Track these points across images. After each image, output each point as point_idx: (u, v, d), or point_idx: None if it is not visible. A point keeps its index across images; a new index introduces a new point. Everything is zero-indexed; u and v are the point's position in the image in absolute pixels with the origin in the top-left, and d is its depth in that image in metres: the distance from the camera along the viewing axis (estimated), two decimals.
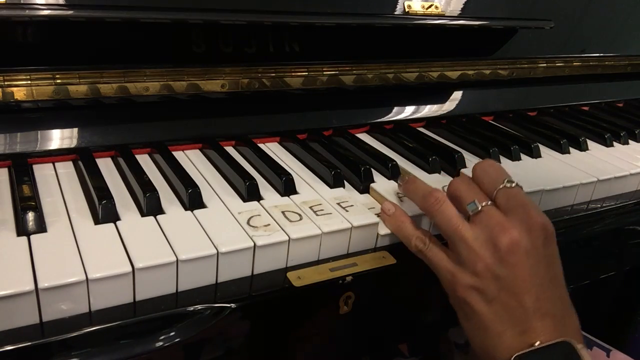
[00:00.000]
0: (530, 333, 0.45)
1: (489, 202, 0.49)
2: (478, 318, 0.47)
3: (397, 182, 0.64)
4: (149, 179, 0.55)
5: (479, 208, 0.48)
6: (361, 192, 0.62)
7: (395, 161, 0.66)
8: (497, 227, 0.46)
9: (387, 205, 0.54)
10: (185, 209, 0.53)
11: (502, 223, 0.46)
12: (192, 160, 0.65)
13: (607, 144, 0.85)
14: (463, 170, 0.69)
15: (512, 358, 0.44)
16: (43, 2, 0.56)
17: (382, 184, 0.62)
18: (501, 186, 0.49)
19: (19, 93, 0.58)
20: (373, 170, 0.64)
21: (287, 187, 0.58)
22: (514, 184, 0.49)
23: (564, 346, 0.44)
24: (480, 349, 0.48)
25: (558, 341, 0.44)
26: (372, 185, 0.61)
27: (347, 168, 0.64)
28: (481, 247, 0.46)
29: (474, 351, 0.49)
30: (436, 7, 0.76)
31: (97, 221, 0.49)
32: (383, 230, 0.54)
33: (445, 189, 0.53)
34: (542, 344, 0.44)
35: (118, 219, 0.50)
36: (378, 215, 0.55)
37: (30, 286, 0.40)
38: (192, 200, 0.53)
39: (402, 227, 0.53)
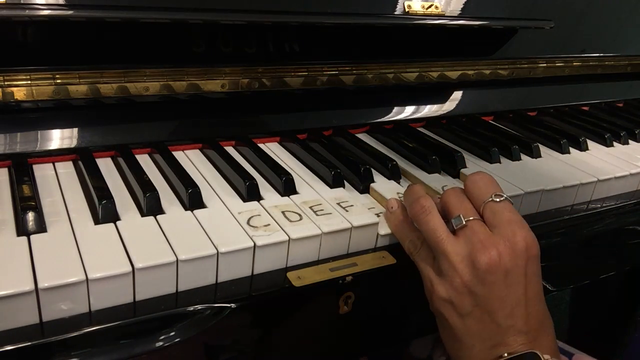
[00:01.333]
0: (500, 347, 0.46)
1: (475, 217, 0.48)
2: (450, 330, 0.48)
3: (397, 182, 0.64)
4: (149, 179, 0.55)
5: (464, 222, 0.48)
6: (361, 192, 0.62)
7: (395, 161, 0.66)
8: (479, 245, 0.46)
9: (392, 202, 0.54)
10: (185, 209, 0.53)
11: (483, 241, 0.46)
12: (192, 160, 0.65)
13: (607, 144, 0.85)
14: (463, 171, 0.69)
15: None
16: (43, 2, 0.56)
17: (382, 184, 0.62)
18: (488, 200, 0.49)
19: (19, 93, 0.58)
20: (373, 170, 0.64)
21: (287, 187, 0.58)
22: (502, 198, 0.49)
23: (529, 356, 0.45)
24: (453, 355, 0.49)
25: (525, 352, 0.45)
26: (372, 185, 0.61)
27: (347, 168, 0.64)
28: (461, 262, 0.46)
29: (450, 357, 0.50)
30: (436, 7, 0.76)
31: (97, 221, 0.49)
32: (383, 230, 0.54)
33: (445, 189, 0.53)
34: (509, 355, 0.45)
35: (118, 219, 0.50)
36: (378, 215, 0.55)
37: (30, 286, 0.40)
38: (192, 200, 0.53)
39: (398, 227, 0.53)
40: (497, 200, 0.48)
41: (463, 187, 0.53)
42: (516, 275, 0.46)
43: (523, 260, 0.46)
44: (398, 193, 0.59)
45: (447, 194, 0.52)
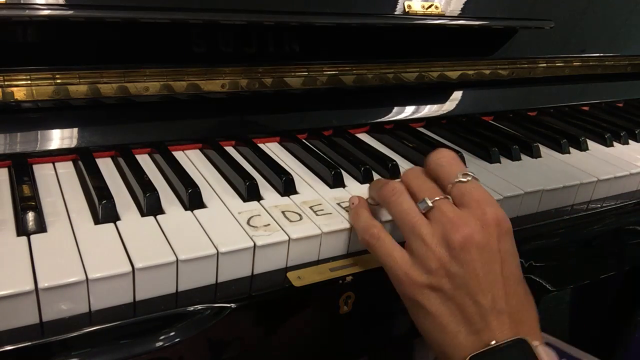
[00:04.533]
0: (486, 332, 0.44)
1: (442, 197, 0.47)
2: (433, 318, 0.46)
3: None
4: (149, 179, 0.55)
5: (430, 205, 0.47)
6: None
7: (395, 161, 0.66)
8: (449, 224, 0.45)
9: (354, 198, 0.53)
10: (185, 209, 0.53)
11: (454, 220, 0.45)
12: (192, 160, 0.65)
13: (607, 144, 0.85)
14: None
15: (468, 358, 0.43)
16: (43, 2, 0.56)
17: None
18: (455, 180, 0.48)
19: (19, 93, 0.58)
20: (373, 170, 0.64)
21: (287, 187, 0.58)
22: (469, 178, 0.47)
23: (519, 344, 0.43)
24: (437, 348, 0.47)
25: (514, 339, 0.44)
26: (345, 189, 0.60)
27: (347, 168, 0.64)
28: (437, 245, 0.45)
29: (432, 350, 0.48)
30: (436, 7, 0.76)
31: (97, 221, 0.49)
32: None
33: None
34: (497, 343, 0.43)
35: (118, 219, 0.50)
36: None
37: (30, 286, 0.40)
38: (192, 200, 0.53)
39: (356, 219, 0.51)
40: (464, 180, 0.47)
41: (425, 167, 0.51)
42: (490, 252, 0.45)
43: (494, 237, 0.45)
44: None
45: (407, 176, 0.51)
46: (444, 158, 0.50)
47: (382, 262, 0.48)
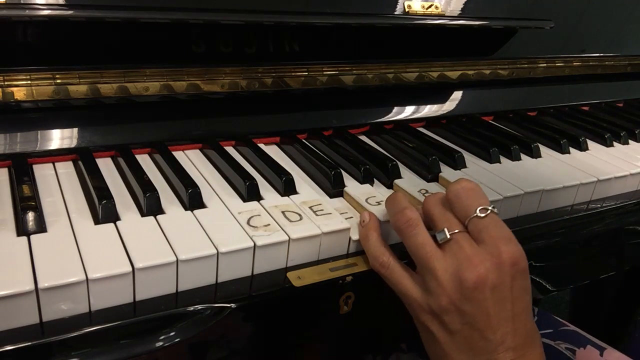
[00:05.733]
0: None
1: (461, 230, 0.47)
2: (439, 345, 0.47)
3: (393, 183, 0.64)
4: (149, 179, 0.55)
5: (448, 237, 0.46)
6: None
7: (395, 161, 0.66)
8: (465, 261, 0.45)
9: (364, 215, 0.53)
10: (185, 209, 0.53)
11: (470, 257, 0.45)
12: (192, 160, 0.65)
13: (607, 144, 0.85)
14: (463, 170, 0.69)
15: None
16: (43, 2, 0.56)
17: (381, 185, 0.62)
18: (473, 215, 0.47)
19: (19, 93, 0.58)
20: (372, 170, 0.64)
21: (287, 187, 0.58)
22: (487, 212, 0.47)
23: None
24: None
25: None
26: (345, 189, 0.60)
27: (347, 168, 0.64)
28: (448, 280, 0.45)
29: None
30: (436, 7, 0.76)
31: (97, 221, 0.49)
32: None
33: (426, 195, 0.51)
34: None
35: (118, 219, 0.50)
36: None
37: (30, 286, 0.40)
38: (192, 200, 0.53)
39: (366, 242, 0.51)
40: (482, 215, 0.47)
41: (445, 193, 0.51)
42: (503, 291, 0.45)
43: (509, 276, 0.45)
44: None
45: (429, 203, 0.50)
46: (463, 190, 0.49)
47: (393, 288, 0.49)
